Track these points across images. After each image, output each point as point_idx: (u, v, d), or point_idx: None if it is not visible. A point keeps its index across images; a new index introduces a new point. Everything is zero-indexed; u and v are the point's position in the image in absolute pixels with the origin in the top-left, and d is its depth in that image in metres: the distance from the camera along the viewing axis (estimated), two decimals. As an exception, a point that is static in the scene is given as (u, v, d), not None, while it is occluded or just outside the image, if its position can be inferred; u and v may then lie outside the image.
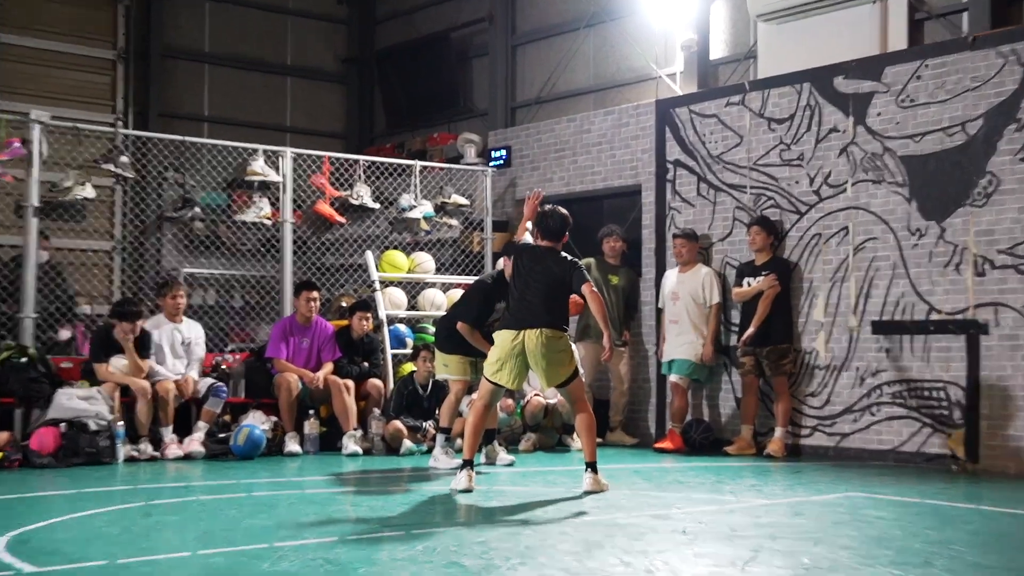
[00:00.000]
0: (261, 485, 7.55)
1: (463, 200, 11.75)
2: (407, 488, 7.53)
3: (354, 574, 4.58)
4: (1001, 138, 8.54)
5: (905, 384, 9.00)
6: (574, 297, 7.48)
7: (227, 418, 9.52)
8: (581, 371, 7.71)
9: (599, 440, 8.33)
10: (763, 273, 9.65)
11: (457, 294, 10.79)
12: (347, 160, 11.31)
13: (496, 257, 11.20)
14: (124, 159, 9.82)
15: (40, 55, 13.07)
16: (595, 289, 7.20)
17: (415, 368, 9.76)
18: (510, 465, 8.65)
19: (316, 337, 9.88)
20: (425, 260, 11.35)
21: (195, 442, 9.04)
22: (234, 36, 14.80)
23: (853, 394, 9.31)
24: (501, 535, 5.52)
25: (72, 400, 8.60)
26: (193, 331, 9.60)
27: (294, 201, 10.69)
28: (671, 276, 10.28)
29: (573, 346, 7.78)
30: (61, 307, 9.85)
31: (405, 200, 11.30)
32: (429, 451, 9.03)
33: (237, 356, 10.16)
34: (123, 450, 8.64)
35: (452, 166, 12.28)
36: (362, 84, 15.74)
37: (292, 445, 9.35)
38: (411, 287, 11.37)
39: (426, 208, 11.39)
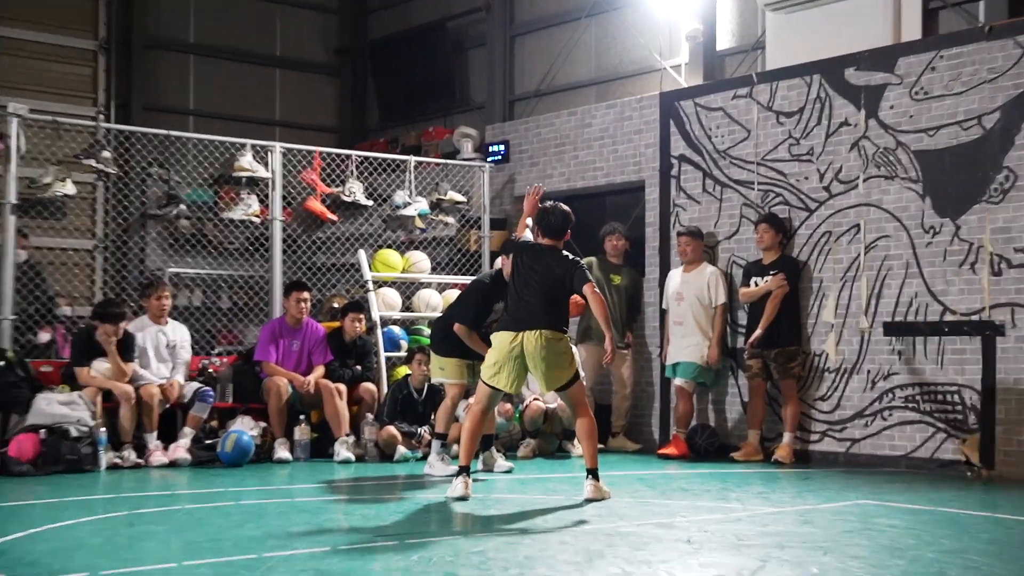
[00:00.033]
0: (249, 493, 7.56)
1: (459, 197, 11.77)
2: (401, 496, 7.54)
3: (346, 585, 4.61)
4: (1019, 132, 8.56)
5: (918, 387, 9.02)
6: (575, 298, 7.49)
7: (214, 424, 9.53)
8: (582, 374, 7.73)
9: (601, 446, 8.35)
10: (771, 272, 9.67)
11: (453, 295, 10.80)
12: (339, 155, 11.32)
13: (494, 256, 11.21)
14: (106, 154, 9.83)
15: (18, 45, 13.09)
16: (597, 289, 7.21)
17: (410, 371, 9.77)
18: (508, 472, 8.66)
19: (307, 339, 9.89)
20: (420, 259, 11.36)
21: (181, 449, 9.05)
22: (221, 26, 14.82)
23: (864, 398, 9.34)
24: (499, 545, 5.54)
25: (52, 405, 8.61)
26: (178, 333, 9.61)
27: (284, 198, 10.69)
28: (675, 276, 10.30)
29: (574, 348, 7.79)
30: (40, 308, 9.85)
31: (399, 197, 11.31)
32: (424, 458, 9.05)
33: (224, 359, 10.17)
34: (105, 457, 8.65)
35: (448, 161, 12.29)
36: (355, 76, 15.77)
37: (282, 452, 9.36)
38: (406, 287, 11.38)
39: (421, 205, 11.40)
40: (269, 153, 10.60)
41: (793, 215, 9.89)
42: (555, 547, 5.49)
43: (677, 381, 10.10)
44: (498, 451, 8.96)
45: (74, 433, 8.47)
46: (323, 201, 10.98)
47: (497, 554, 5.27)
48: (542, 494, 7.58)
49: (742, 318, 10.06)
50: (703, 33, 11.16)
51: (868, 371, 9.32)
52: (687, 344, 10.03)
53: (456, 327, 8.33)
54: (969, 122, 8.83)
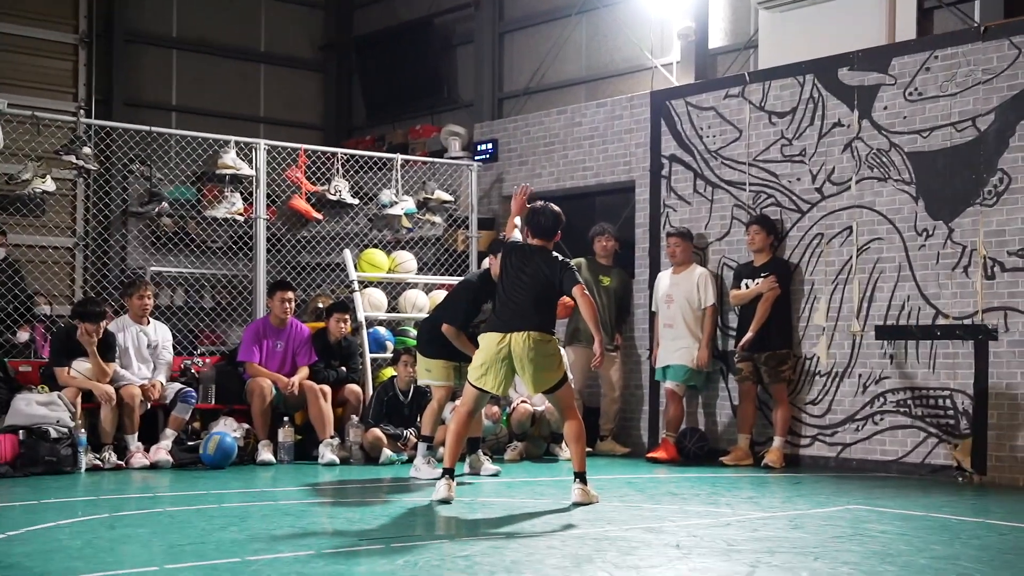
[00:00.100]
0: (232, 496, 7.57)
1: (447, 196, 11.78)
2: (387, 499, 7.56)
3: (331, 589, 4.63)
4: (1013, 134, 8.61)
5: (910, 392, 9.07)
6: (564, 299, 7.52)
7: (196, 425, 9.53)
8: (570, 377, 7.75)
9: (589, 449, 8.39)
10: (762, 275, 9.71)
11: (440, 295, 10.83)
12: (324, 153, 11.33)
13: (481, 256, 11.24)
14: (86, 150, 9.81)
15: (-4, 38, 13.05)
16: (586, 291, 7.24)
17: (395, 373, 9.78)
18: (495, 475, 8.69)
19: (291, 340, 9.89)
20: (406, 259, 11.37)
21: (162, 450, 9.05)
22: (204, 20, 14.80)
23: (855, 402, 9.38)
24: (485, 549, 5.56)
25: (31, 406, 8.60)
26: (160, 333, 9.61)
27: (268, 196, 10.70)
28: (664, 278, 10.33)
29: (562, 350, 7.82)
30: (19, 307, 9.83)
31: (386, 196, 11.31)
32: (410, 460, 9.06)
33: (207, 360, 10.17)
34: (85, 459, 8.65)
35: (435, 160, 12.31)
36: (340, 72, 15.77)
37: (265, 454, 9.37)
38: (392, 288, 11.39)
39: (408, 204, 11.41)
40: (253, 150, 10.60)
41: (785, 216, 9.94)
42: (542, 551, 5.51)
43: (667, 384, 10.14)
44: (485, 454, 8.98)
45: (53, 434, 8.47)
46: (308, 199, 10.98)
47: (484, 558, 5.30)
48: (529, 498, 7.60)
49: (732, 320, 10.10)
50: (695, 31, 11.19)
51: (859, 375, 9.37)
52: (677, 347, 10.07)
53: (444, 328, 8.35)
54: (963, 123, 8.88)
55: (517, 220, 7.84)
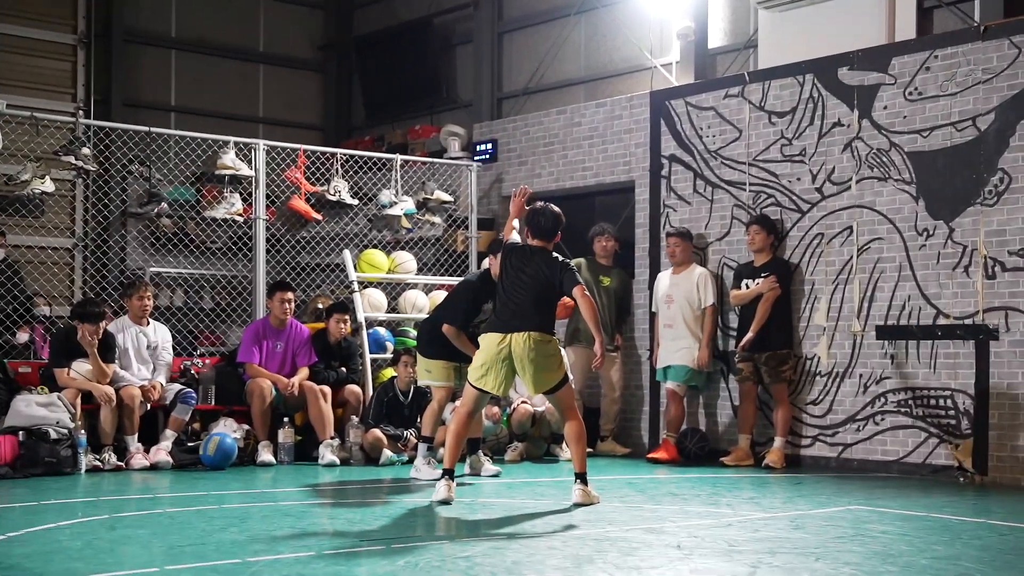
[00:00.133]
0: (232, 497, 7.57)
1: (446, 196, 11.78)
2: (387, 500, 7.56)
3: (332, 591, 4.63)
4: (1014, 133, 8.62)
5: (911, 392, 9.08)
6: (564, 299, 7.53)
7: (196, 426, 9.53)
8: (571, 377, 7.76)
9: (589, 450, 8.39)
10: (762, 275, 9.71)
11: (440, 296, 10.83)
12: (324, 153, 11.33)
13: (481, 256, 11.25)
14: (85, 151, 9.81)
15: (-6, 39, 13.05)
16: (587, 292, 7.25)
17: (395, 374, 9.78)
18: (496, 476, 8.69)
19: (291, 341, 9.90)
20: (406, 260, 11.37)
21: (162, 451, 9.05)
22: (203, 20, 14.81)
23: (856, 402, 9.39)
24: (486, 550, 5.57)
25: (31, 407, 8.60)
26: (160, 334, 9.61)
27: (267, 196, 10.70)
28: (664, 278, 10.34)
29: (562, 351, 7.83)
30: (18, 308, 9.83)
31: (385, 196, 11.32)
32: (410, 461, 9.07)
33: (207, 361, 10.17)
34: (85, 460, 8.65)
35: (435, 160, 12.31)
36: (339, 73, 15.78)
37: (265, 455, 9.37)
38: (391, 288, 11.40)
39: (407, 205, 11.41)
40: (252, 151, 10.60)
41: (785, 216, 9.94)
42: (543, 552, 5.52)
43: (668, 384, 10.14)
44: (485, 455, 8.99)
45: (53, 435, 8.47)
46: (307, 200, 10.98)
47: (484, 559, 5.30)
48: (530, 498, 7.61)
49: (733, 321, 10.11)
50: (694, 31, 11.20)
51: (860, 375, 9.38)
52: (678, 347, 10.07)
53: (445, 328, 8.35)
54: (963, 123, 8.89)
55: (515, 223, 7.85)
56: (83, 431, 8.71)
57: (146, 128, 10.32)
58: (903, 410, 9.10)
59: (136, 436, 9.08)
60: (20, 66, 13.07)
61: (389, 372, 10.24)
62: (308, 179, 11.03)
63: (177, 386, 9.46)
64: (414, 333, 10.40)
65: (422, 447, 8.67)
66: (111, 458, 8.86)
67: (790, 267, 9.81)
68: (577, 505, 7.05)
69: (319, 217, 11.08)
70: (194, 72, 14.72)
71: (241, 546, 5.56)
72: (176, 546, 5.58)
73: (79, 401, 8.87)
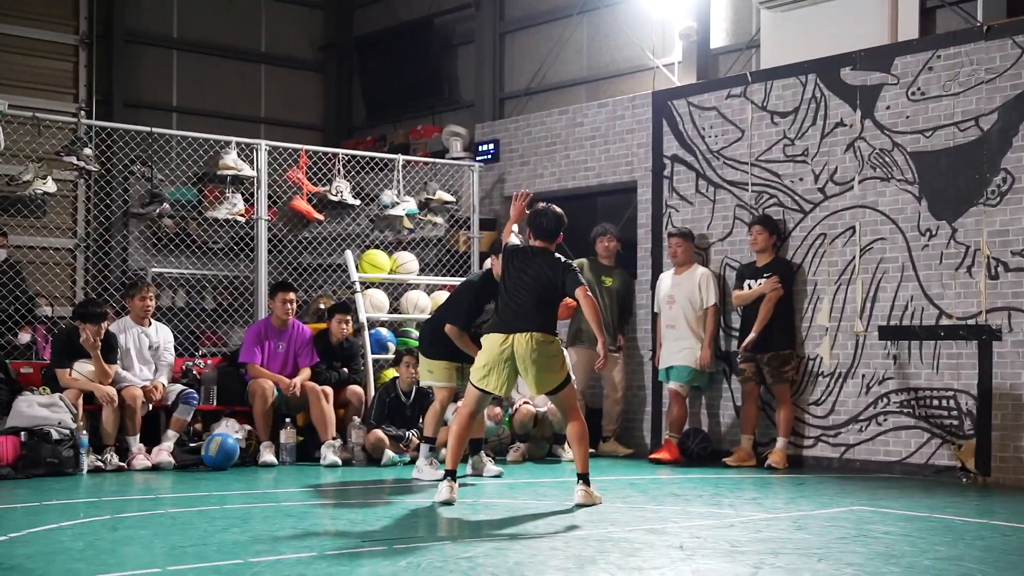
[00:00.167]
0: (234, 497, 7.58)
1: (448, 197, 11.79)
2: (389, 501, 7.57)
3: (334, 591, 4.63)
4: (1017, 133, 8.62)
5: (913, 393, 9.08)
6: (565, 300, 7.54)
7: (198, 427, 9.54)
8: (573, 378, 7.76)
9: (591, 450, 8.38)
10: (765, 275, 9.71)
11: (442, 296, 10.84)
12: (325, 153, 11.34)
13: (483, 257, 11.26)
14: (87, 151, 9.83)
15: (-4, 40, 13.06)
16: (589, 292, 7.26)
17: (397, 374, 9.79)
18: (498, 476, 8.69)
19: (292, 341, 9.90)
20: (408, 260, 11.38)
21: (164, 452, 9.06)
22: (204, 21, 14.81)
23: (859, 403, 9.39)
24: (488, 550, 5.57)
25: (33, 407, 8.61)
26: (162, 335, 9.61)
27: (269, 197, 10.70)
28: (666, 279, 10.34)
29: (565, 351, 7.83)
30: (20, 308, 9.84)
31: (387, 196, 11.33)
32: (412, 462, 9.07)
33: (209, 361, 10.18)
34: (87, 460, 8.66)
35: (437, 160, 12.32)
36: (340, 73, 15.78)
37: (267, 455, 9.37)
38: (393, 288, 11.40)
39: (409, 205, 11.42)
40: (254, 151, 10.61)
41: (787, 217, 9.94)
42: (545, 553, 5.52)
43: (671, 385, 10.14)
44: (487, 455, 8.99)
45: (55, 436, 8.47)
46: (309, 200, 10.99)
47: (486, 560, 5.30)
48: (532, 499, 7.61)
49: (735, 321, 10.11)
50: (697, 31, 11.20)
51: (863, 375, 9.38)
52: (680, 347, 10.07)
53: (447, 328, 8.36)
54: (966, 123, 8.89)
55: (515, 227, 7.85)
56: (85, 432, 8.72)
57: (148, 128, 10.33)
58: (906, 411, 9.10)
59: (138, 437, 9.08)
60: (21, 66, 13.09)
61: (391, 373, 10.25)
62: (310, 179, 11.04)
63: (179, 387, 9.46)
64: (416, 334, 10.41)
65: (424, 448, 8.67)
66: (113, 459, 8.86)
67: (792, 267, 9.81)
68: (579, 506, 7.05)
69: (321, 217, 11.09)
70: (195, 72, 14.73)
71: (243, 547, 5.57)
72: (178, 547, 5.58)
73: (81, 402, 8.87)
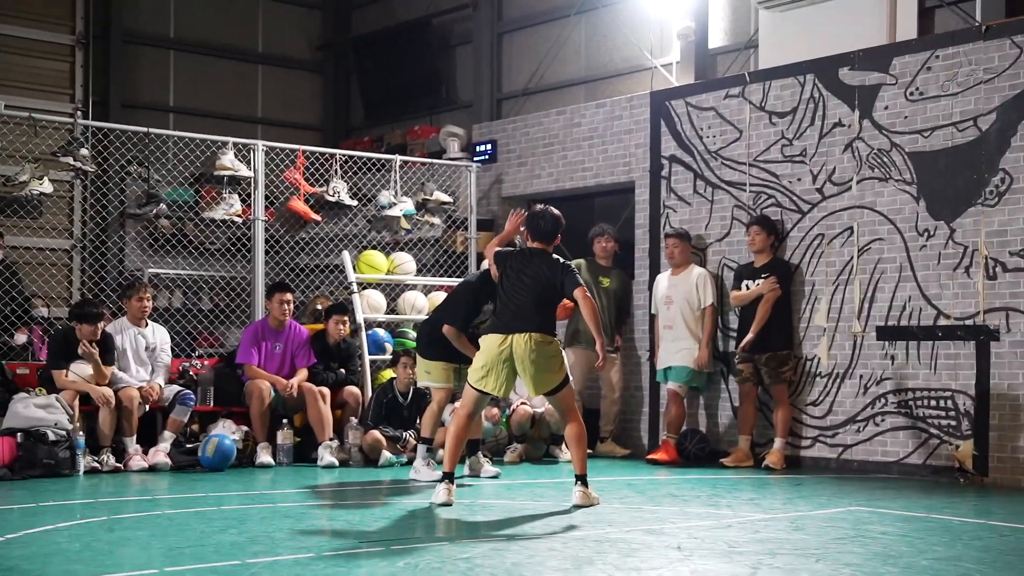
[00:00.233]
0: (231, 498, 7.58)
1: (446, 197, 11.79)
2: (386, 502, 7.57)
3: (331, 592, 4.64)
4: (1015, 133, 8.63)
5: (911, 393, 9.09)
6: (563, 300, 7.55)
7: (195, 428, 9.53)
8: (571, 378, 7.77)
9: (589, 451, 8.39)
10: (763, 275, 9.72)
11: (439, 297, 10.83)
12: (322, 154, 11.34)
13: (480, 257, 11.25)
14: (84, 152, 9.82)
15: (-7, 40, 13.06)
16: (588, 293, 7.27)
17: (395, 375, 9.79)
18: (495, 477, 8.70)
19: (290, 342, 9.90)
20: (405, 261, 11.38)
21: (161, 453, 9.06)
22: (202, 21, 14.82)
23: (856, 403, 9.40)
24: (486, 551, 5.57)
25: (29, 408, 8.60)
26: (159, 335, 9.62)
27: (266, 197, 10.70)
28: (663, 280, 10.34)
29: (563, 352, 7.84)
30: (16, 309, 9.84)
31: (384, 197, 11.32)
32: (409, 462, 9.07)
33: (205, 362, 10.18)
34: (84, 461, 8.65)
35: (434, 161, 12.32)
36: (338, 73, 15.79)
37: (264, 456, 9.37)
38: (391, 289, 11.40)
39: (406, 205, 11.42)
40: (251, 151, 10.60)
41: (785, 217, 9.95)
42: (543, 554, 5.53)
43: (669, 385, 10.14)
44: (485, 456, 9.00)
45: (52, 437, 8.47)
46: (306, 201, 10.99)
47: (484, 560, 5.31)
48: (529, 500, 7.62)
49: (733, 322, 10.12)
50: (695, 31, 11.21)
51: (860, 376, 9.39)
52: (678, 348, 10.08)
53: (445, 329, 8.35)
54: (965, 123, 8.90)
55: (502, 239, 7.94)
56: (81, 433, 8.72)
57: (144, 129, 10.33)
58: (903, 411, 9.11)
59: (135, 438, 9.08)
60: (18, 67, 13.09)
61: (388, 373, 10.25)
62: (307, 180, 11.04)
63: (176, 387, 9.46)
64: (413, 334, 10.41)
65: (421, 448, 8.68)
66: (109, 460, 8.86)
67: (790, 268, 9.82)
68: (577, 506, 7.06)
69: (318, 218, 11.08)
70: (192, 73, 14.73)
71: (240, 547, 5.57)
72: (175, 548, 5.59)
73: (77, 403, 8.87)
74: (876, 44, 9.59)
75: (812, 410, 9.66)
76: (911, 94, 9.21)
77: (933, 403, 8.94)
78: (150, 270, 11.14)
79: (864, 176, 9.47)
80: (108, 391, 8.96)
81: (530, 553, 5.53)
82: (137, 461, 8.96)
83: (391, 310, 11.16)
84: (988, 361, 8.63)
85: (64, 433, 8.56)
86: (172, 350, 9.80)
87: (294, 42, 15.66)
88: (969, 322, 8.77)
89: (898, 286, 9.21)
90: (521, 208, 8.76)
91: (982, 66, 8.81)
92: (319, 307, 10.99)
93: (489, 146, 12.49)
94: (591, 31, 12.63)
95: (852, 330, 9.45)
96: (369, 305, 10.85)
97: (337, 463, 9.35)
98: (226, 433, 9.24)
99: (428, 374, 8.65)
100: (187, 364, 9.98)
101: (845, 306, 9.51)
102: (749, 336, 9.62)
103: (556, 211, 7.52)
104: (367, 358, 10.41)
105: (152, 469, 8.95)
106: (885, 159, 9.35)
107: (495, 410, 9.84)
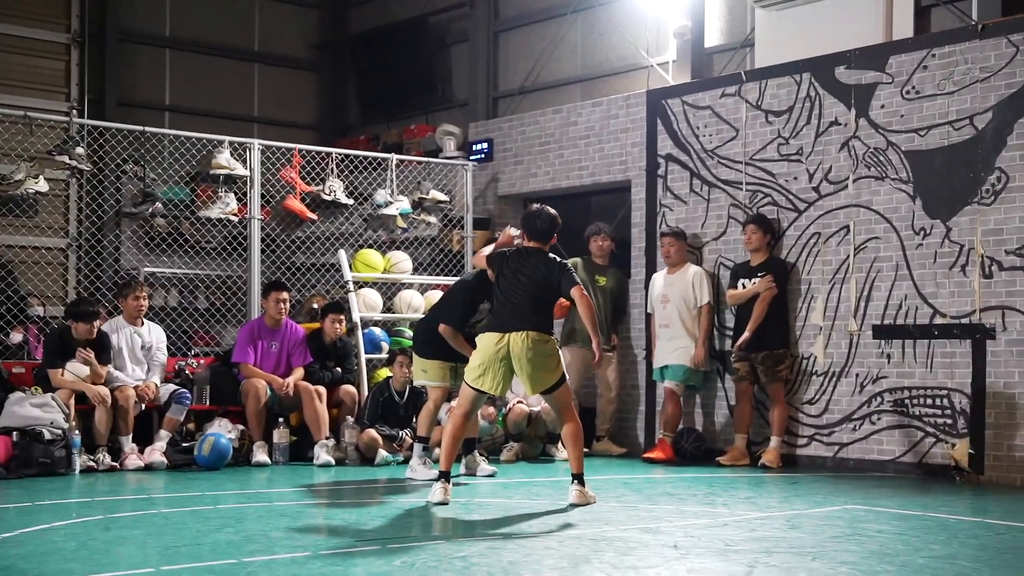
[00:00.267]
0: (228, 497, 7.58)
1: (442, 196, 11.79)
2: (383, 500, 7.57)
3: (328, 591, 4.64)
4: (1011, 132, 8.64)
5: (907, 391, 9.10)
6: (560, 300, 7.55)
7: (191, 426, 9.54)
8: (568, 377, 7.77)
9: (585, 450, 8.40)
10: (759, 274, 9.73)
11: (435, 295, 10.83)
12: (319, 153, 11.34)
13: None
14: (79, 150, 9.82)
15: (-12, 38, 13.04)
16: (584, 292, 7.28)
17: (391, 374, 9.79)
18: (491, 476, 8.70)
19: (286, 341, 9.90)
20: (402, 259, 11.38)
21: (156, 452, 9.06)
22: (198, 19, 14.79)
23: (852, 402, 9.41)
24: (482, 550, 5.58)
25: (25, 407, 8.60)
26: (155, 334, 9.61)
27: (262, 196, 10.71)
28: (659, 279, 10.35)
29: (559, 351, 7.85)
30: (12, 308, 9.84)
31: (380, 196, 11.33)
32: (406, 461, 9.08)
33: (201, 361, 10.18)
34: (79, 460, 8.65)
35: (430, 160, 12.32)
36: (334, 72, 15.77)
37: (260, 455, 9.37)
38: (387, 288, 11.40)
39: (403, 204, 11.42)
40: (247, 150, 10.60)
41: (782, 216, 9.96)
42: (540, 552, 5.53)
43: (666, 384, 10.15)
44: (481, 455, 9.00)
45: (47, 436, 8.46)
46: (303, 200, 10.99)
47: (481, 559, 5.31)
48: (526, 498, 7.62)
49: (729, 320, 10.13)
50: (691, 30, 11.21)
51: (857, 374, 9.40)
52: (675, 347, 10.09)
53: (442, 328, 8.35)
54: (961, 122, 8.91)
55: (487, 250, 7.96)
56: (77, 432, 8.72)
57: (140, 127, 10.32)
58: (899, 409, 9.12)
59: (130, 437, 9.08)
60: (14, 65, 13.06)
61: (384, 372, 10.25)
62: (303, 179, 11.04)
63: (172, 386, 9.46)
64: (410, 333, 10.42)
65: (418, 447, 8.68)
66: (105, 459, 8.86)
67: (787, 266, 9.82)
68: (573, 505, 7.06)
69: (314, 217, 11.08)
70: (188, 71, 14.71)
71: (236, 546, 5.57)
72: (171, 547, 5.58)
73: (73, 401, 8.86)
74: (872, 43, 9.59)
75: (808, 409, 9.67)
76: (907, 93, 9.21)
77: (929, 402, 8.95)
78: (146, 269, 11.13)
79: (860, 175, 9.48)
80: (104, 390, 8.96)
81: (527, 552, 5.53)
82: (133, 460, 8.95)
83: (387, 309, 11.16)
84: (984, 360, 8.64)
85: (60, 432, 8.55)
86: (168, 349, 9.79)
87: (290, 41, 15.64)
88: (965, 321, 8.78)
89: (894, 285, 9.22)
90: (515, 228, 8.78)
91: (978, 65, 8.82)
92: (315, 306, 10.98)
93: (485, 145, 12.50)
94: (587, 30, 12.63)
95: (848, 329, 9.46)
96: (365, 304, 10.85)
97: (333, 462, 9.36)
98: (222, 432, 9.24)
99: (424, 373, 8.65)
100: (183, 363, 9.98)
101: (841, 305, 9.52)
102: (745, 335, 9.63)
103: (552, 210, 7.53)
104: (363, 357, 10.41)
105: (148, 468, 8.95)
106: (881, 158, 9.35)
107: (491, 409, 9.85)
